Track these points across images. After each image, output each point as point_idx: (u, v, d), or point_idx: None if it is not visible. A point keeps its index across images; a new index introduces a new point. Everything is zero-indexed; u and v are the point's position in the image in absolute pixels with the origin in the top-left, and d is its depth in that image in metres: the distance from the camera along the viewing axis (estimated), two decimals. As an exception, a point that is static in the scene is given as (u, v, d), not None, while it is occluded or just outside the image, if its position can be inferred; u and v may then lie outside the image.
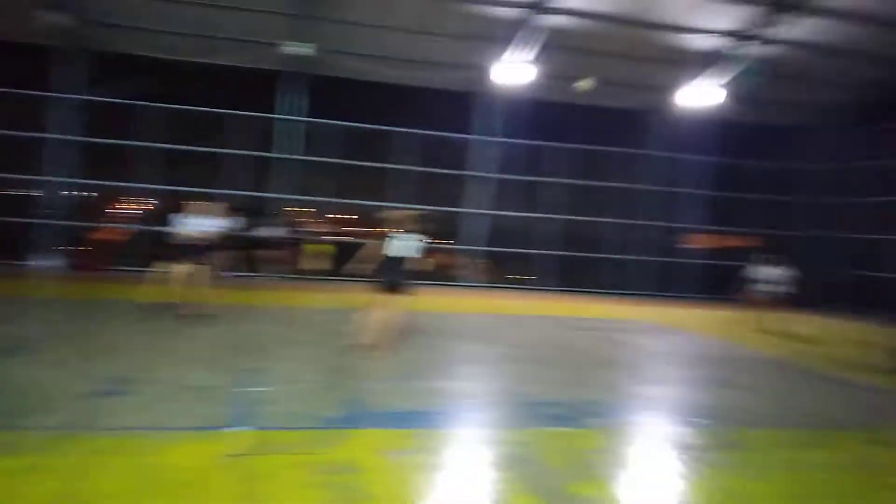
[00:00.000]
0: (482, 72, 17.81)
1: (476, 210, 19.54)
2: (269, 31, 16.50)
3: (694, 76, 18.05)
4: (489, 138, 19.44)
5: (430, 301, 14.43)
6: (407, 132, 18.66)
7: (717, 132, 20.48)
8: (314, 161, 18.25)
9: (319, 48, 16.78)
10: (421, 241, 8.26)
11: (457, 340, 10.17)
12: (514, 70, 16.86)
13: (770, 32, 16.21)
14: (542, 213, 19.90)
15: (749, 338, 12.36)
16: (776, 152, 21.70)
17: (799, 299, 18.26)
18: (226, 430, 5.17)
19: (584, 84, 14.67)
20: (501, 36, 16.59)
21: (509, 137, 19.58)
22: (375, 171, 18.85)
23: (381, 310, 8.28)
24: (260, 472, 4.42)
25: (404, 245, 8.15)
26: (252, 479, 4.32)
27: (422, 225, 8.38)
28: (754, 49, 16.87)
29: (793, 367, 9.76)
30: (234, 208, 13.46)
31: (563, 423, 5.96)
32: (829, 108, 20.52)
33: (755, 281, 13.73)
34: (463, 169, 19.56)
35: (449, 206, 19.54)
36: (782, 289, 13.37)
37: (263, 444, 4.94)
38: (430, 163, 18.91)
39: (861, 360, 10.66)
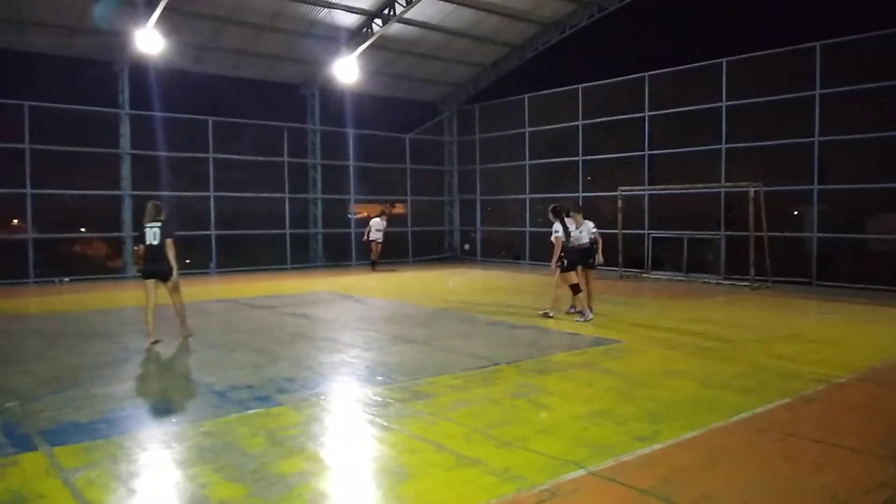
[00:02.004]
0: (117, 38, 16.08)
1: (130, 192, 17.72)
2: None
3: (337, 51, 18.65)
4: (121, 111, 17.69)
5: (94, 297, 12.90)
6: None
7: (367, 106, 21.63)
8: None
9: None
10: (161, 226, 8.50)
11: (128, 336, 9.19)
12: (150, 37, 15.50)
13: (402, 12, 17.36)
14: (196, 191, 18.87)
15: (414, 296, 13.39)
16: (418, 125, 23.85)
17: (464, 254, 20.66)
18: None
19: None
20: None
21: (155, 111, 18.09)
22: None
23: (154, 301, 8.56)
24: None
25: (153, 233, 8.45)
26: None
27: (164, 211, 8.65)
28: (391, 28, 18.03)
29: (457, 318, 10.86)
30: None
31: (256, 405, 5.76)
32: (457, 84, 23.06)
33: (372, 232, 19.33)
34: (97, 146, 17.50)
35: (101, 189, 17.56)
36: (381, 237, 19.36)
37: None
38: (63, 141, 16.55)
39: (511, 304, 12.33)
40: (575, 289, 10.20)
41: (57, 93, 16.25)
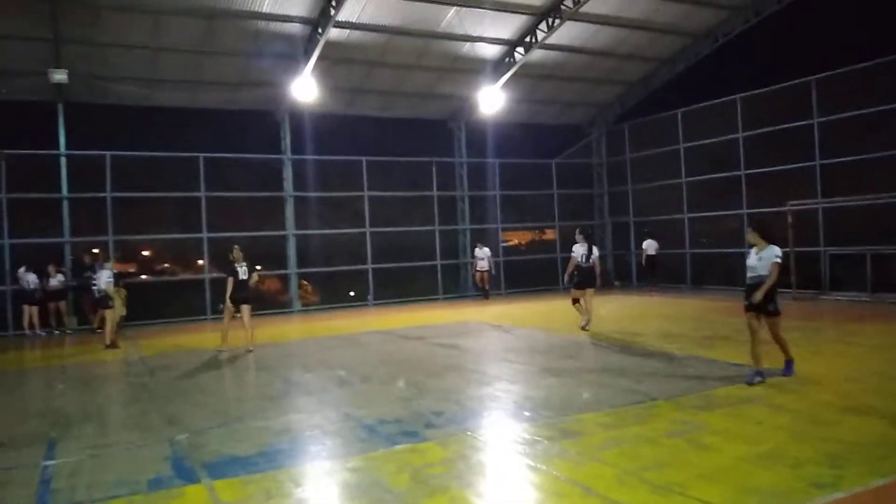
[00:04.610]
0: (277, 89, 17.35)
1: (294, 231, 18.97)
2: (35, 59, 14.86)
3: (481, 83, 18.85)
4: (283, 157, 18.93)
5: (262, 331, 13.79)
6: (200, 157, 17.64)
7: (512, 134, 21.70)
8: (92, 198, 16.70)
9: (82, 73, 15.39)
10: (249, 267, 11.38)
11: (290, 369, 9.75)
12: (306, 85, 16.49)
13: (544, 38, 17.24)
14: (353, 227, 19.75)
15: (563, 325, 13.02)
16: (564, 150, 23.52)
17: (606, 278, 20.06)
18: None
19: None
20: (288, 52, 16.26)
21: (304, 154, 19.29)
22: (173, 201, 17.79)
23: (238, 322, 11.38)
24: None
25: (244, 270, 11.24)
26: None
27: (244, 254, 11.33)
28: (533, 54, 17.97)
29: (610, 348, 10.40)
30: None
31: (404, 440, 5.76)
32: (603, 105, 22.52)
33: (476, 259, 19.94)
34: (263, 190, 18.94)
35: (268, 230, 18.86)
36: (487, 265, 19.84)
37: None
38: (232, 187, 18.07)
39: (670, 332, 11.66)
40: (573, 301, 12.14)
41: (225, 143, 17.85)
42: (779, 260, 7.26)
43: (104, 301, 12.58)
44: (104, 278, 12.50)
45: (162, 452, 5.75)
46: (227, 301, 11.28)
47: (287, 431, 6.30)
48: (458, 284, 21.14)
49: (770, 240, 7.44)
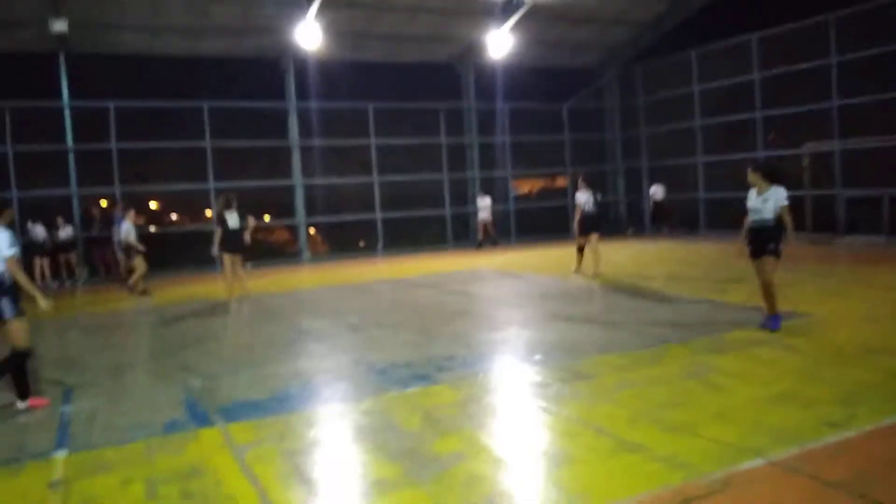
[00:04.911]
0: (281, 36, 16.98)
1: (301, 181, 18.87)
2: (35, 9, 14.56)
3: (489, 25, 18.39)
4: (288, 104, 18.71)
5: (272, 281, 13.91)
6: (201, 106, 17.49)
7: (522, 78, 21.23)
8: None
9: (82, 23, 15.10)
10: (241, 216, 11.38)
11: (301, 317, 9.80)
12: (310, 31, 16.13)
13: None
14: (360, 176, 19.62)
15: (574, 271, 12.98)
16: (574, 93, 23.03)
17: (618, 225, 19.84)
18: (42, 458, 4.49)
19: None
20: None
21: (319, 102, 19.01)
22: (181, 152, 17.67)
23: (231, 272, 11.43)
24: (88, 498, 3.86)
25: (235, 220, 11.21)
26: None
27: (236, 202, 11.38)
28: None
29: (622, 293, 10.35)
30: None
31: (415, 384, 5.78)
32: (615, 47, 21.96)
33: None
34: (269, 139, 18.78)
35: (275, 180, 18.80)
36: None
37: (88, 466, 4.32)
38: (238, 137, 17.90)
39: (683, 277, 11.59)
40: (579, 249, 12.31)
41: (230, 92, 17.63)
42: (787, 202, 6.93)
43: (129, 252, 12.82)
44: (124, 229, 12.70)
45: (176, 397, 5.81)
46: (218, 251, 11.33)
47: (299, 376, 6.34)
48: (468, 232, 21.05)
49: (775, 181, 6.97)
